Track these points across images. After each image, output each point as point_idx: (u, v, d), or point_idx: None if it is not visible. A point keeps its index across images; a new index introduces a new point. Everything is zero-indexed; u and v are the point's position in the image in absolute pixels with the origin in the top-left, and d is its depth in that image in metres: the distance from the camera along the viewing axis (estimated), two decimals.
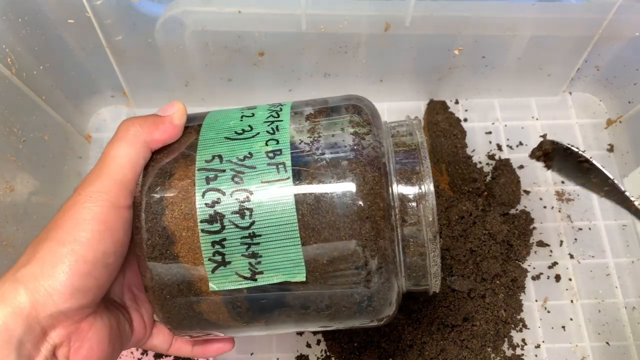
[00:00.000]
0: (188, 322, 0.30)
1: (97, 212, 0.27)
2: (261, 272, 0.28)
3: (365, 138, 0.30)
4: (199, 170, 0.29)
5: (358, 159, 0.29)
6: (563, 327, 0.52)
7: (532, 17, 0.51)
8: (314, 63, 0.56)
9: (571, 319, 0.52)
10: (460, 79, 0.59)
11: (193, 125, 0.31)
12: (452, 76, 0.59)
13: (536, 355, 0.51)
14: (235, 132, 0.30)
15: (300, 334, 0.51)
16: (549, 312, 0.52)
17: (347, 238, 0.28)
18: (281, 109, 0.32)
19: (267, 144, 0.29)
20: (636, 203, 0.39)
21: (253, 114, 0.32)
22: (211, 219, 0.28)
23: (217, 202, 0.28)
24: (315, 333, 0.51)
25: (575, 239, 0.55)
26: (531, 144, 0.60)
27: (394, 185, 0.30)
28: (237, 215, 0.28)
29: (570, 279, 0.54)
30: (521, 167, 0.58)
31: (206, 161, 0.29)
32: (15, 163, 0.47)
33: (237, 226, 0.28)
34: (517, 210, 0.56)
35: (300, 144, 0.29)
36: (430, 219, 0.30)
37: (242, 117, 0.31)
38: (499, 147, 0.60)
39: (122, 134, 0.29)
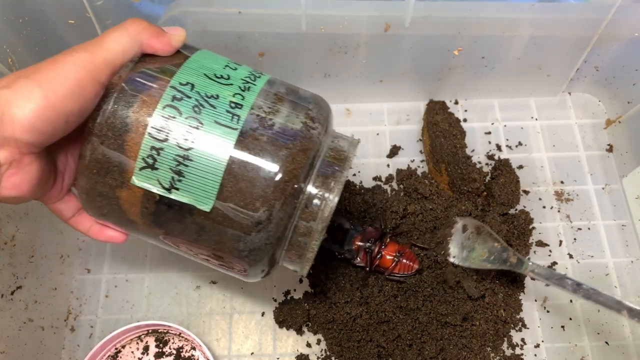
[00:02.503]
0: (102, 201, 0.34)
1: (80, 76, 0.31)
2: (177, 189, 0.33)
3: (310, 132, 0.35)
4: (171, 86, 0.33)
5: (295, 142, 0.34)
6: (562, 326, 0.52)
7: (531, 17, 0.52)
8: (314, 63, 0.56)
9: (570, 319, 0.52)
10: (460, 79, 0.59)
11: (184, 53, 0.36)
12: (451, 76, 0.59)
13: (535, 355, 0.51)
14: (215, 75, 0.35)
15: (300, 334, 0.51)
16: (548, 311, 0.52)
17: (257, 196, 0.33)
18: (260, 77, 0.37)
19: (234, 96, 0.34)
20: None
21: (236, 69, 0.36)
22: (160, 129, 0.32)
23: (172, 117, 0.32)
24: (315, 333, 0.51)
25: (575, 239, 0.56)
26: (530, 144, 0.60)
27: (312, 178, 0.35)
28: (182, 136, 0.32)
29: None
30: (520, 167, 0.58)
31: (180, 84, 0.33)
32: None
33: (177, 145, 0.32)
34: (516, 210, 0.56)
35: (259, 109, 0.34)
36: (326, 216, 0.35)
37: (225, 66, 0.36)
38: (499, 147, 0.60)
39: (126, 26, 0.33)
